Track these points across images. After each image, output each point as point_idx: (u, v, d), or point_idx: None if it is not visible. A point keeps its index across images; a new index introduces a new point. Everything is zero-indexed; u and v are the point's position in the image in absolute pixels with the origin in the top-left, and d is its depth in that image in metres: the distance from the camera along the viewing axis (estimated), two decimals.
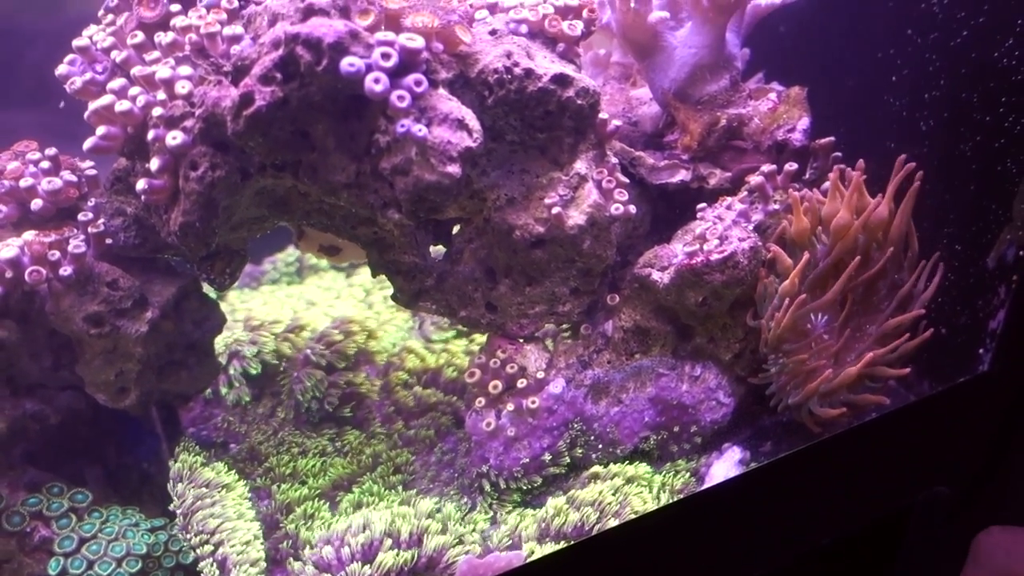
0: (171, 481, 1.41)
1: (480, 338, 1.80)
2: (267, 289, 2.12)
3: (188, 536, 1.35)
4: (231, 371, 1.70)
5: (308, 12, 1.15)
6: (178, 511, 1.38)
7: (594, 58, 1.65)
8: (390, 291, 1.98)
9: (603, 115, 1.36)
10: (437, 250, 1.46)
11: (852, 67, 1.68)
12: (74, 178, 1.38)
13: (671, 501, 1.35)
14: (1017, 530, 0.79)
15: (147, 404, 1.45)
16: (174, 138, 1.19)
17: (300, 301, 1.99)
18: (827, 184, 1.42)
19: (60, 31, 1.78)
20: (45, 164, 1.37)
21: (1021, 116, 1.39)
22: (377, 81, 1.13)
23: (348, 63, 1.12)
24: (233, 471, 1.48)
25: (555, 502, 1.35)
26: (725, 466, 1.39)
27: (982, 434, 1.64)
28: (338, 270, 2.16)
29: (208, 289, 1.53)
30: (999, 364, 1.49)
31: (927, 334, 1.36)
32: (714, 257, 1.34)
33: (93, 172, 1.42)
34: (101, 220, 1.37)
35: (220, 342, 1.62)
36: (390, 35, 1.16)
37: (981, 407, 1.59)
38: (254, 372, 1.70)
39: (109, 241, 1.37)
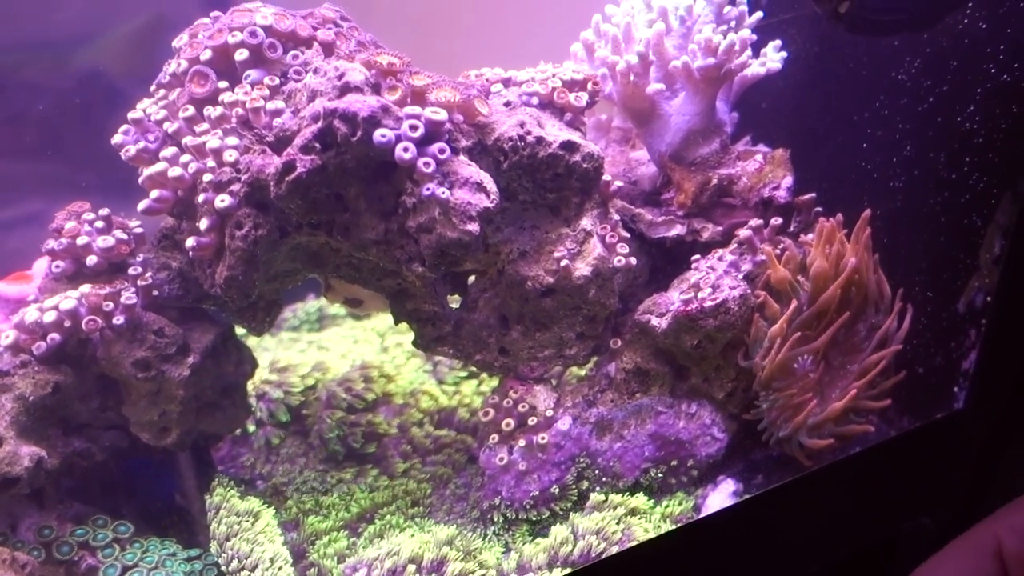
0: (208, 512, 1.51)
1: (489, 380, 1.91)
2: (287, 336, 2.23)
3: (223, 562, 1.44)
4: (257, 413, 1.81)
5: (344, 89, 1.29)
6: (214, 539, 1.48)
7: (596, 123, 1.77)
8: (403, 337, 2.09)
9: (606, 177, 1.47)
10: (454, 299, 1.56)
11: (831, 129, 1.77)
12: (125, 236, 1.48)
13: (670, 530, 1.41)
14: None
15: (186, 443, 1.55)
16: (222, 201, 1.30)
17: (320, 347, 2.10)
18: (811, 235, 1.51)
19: (64, 86, 1.86)
20: (99, 224, 1.47)
21: (984, 175, 1.48)
22: (406, 150, 1.26)
23: (380, 134, 1.25)
24: (264, 503, 1.58)
25: (562, 531, 1.42)
26: (720, 497, 1.46)
27: (960, 468, 1.69)
28: (355, 318, 2.26)
29: (240, 335, 1.65)
30: (972, 402, 1.56)
31: (900, 375, 1.45)
32: (707, 304, 1.43)
33: (140, 230, 1.52)
34: (149, 274, 1.46)
35: (247, 384, 1.72)
36: (417, 109, 1.28)
37: (957, 442, 1.65)
38: (283, 418, 1.81)
39: (155, 293, 1.47)
